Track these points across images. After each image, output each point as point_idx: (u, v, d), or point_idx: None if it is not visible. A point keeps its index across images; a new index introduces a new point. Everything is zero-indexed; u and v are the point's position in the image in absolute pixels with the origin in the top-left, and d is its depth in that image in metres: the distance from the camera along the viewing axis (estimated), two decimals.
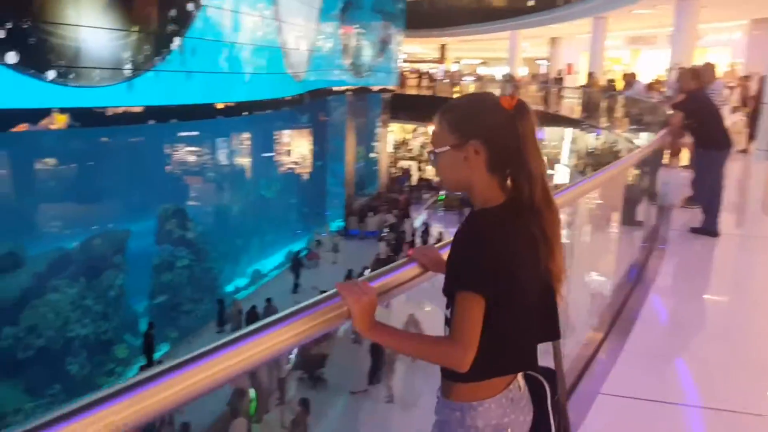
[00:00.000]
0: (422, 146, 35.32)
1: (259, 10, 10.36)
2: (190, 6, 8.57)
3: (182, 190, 13.64)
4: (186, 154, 13.70)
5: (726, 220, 4.88)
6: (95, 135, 9.40)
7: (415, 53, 39.96)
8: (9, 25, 6.13)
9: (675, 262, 4.42)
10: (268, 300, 11.02)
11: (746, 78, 11.01)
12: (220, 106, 9.44)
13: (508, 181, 1.35)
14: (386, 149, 24.84)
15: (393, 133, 35.63)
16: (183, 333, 12.01)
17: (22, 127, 6.61)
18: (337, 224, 19.17)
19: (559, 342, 1.54)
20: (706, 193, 4.81)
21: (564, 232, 1.44)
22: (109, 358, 10.71)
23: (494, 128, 1.32)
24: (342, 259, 15.64)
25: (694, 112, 4.81)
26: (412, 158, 31.64)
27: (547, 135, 20.43)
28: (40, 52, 6.53)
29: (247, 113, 10.36)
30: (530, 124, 1.32)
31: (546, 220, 1.35)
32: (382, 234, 17.76)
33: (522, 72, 28.58)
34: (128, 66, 7.72)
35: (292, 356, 8.45)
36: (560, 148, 22.08)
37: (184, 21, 8.52)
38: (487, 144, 1.30)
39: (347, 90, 17.49)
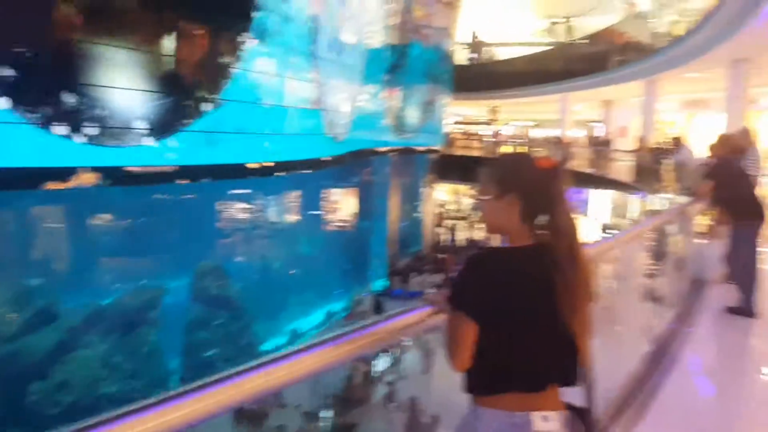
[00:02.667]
0: (473, 207, 35.12)
1: (298, 73, 10.53)
2: (226, 68, 8.77)
3: (221, 247, 13.75)
4: (226, 210, 13.87)
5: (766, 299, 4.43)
6: (132, 192, 9.60)
7: (468, 115, 40.21)
8: (38, 85, 6.37)
9: (704, 346, 3.99)
10: None
11: None
12: (253, 165, 9.53)
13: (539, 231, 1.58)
14: (432, 209, 24.67)
15: (443, 192, 35.65)
16: None
17: (52, 185, 6.77)
18: (380, 284, 18.92)
19: (593, 390, 1.70)
20: (740, 269, 4.40)
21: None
22: None
23: (529, 185, 1.58)
24: None
25: (722, 181, 4.47)
26: (460, 218, 31.43)
27: (593, 196, 19.87)
28: (69, 112, 6.73)
29: (282, 174, 10.42)
30: (562, 184, 1.57)
31: (570, 273, 1.52)
32: (426, 294, 17.41)
33: (574, 134, 28.26)
34: (161, 126, 7.90)
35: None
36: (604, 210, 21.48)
37: (219, 83, 8.72)
38: (521, 197, 1.57)
39: (391, 150, 17.56)
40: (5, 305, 9.21)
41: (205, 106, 8.59)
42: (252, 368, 1.28)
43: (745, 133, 5.71)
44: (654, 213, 11.80)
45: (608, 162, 18.93)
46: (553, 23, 29.22)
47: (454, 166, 25.09)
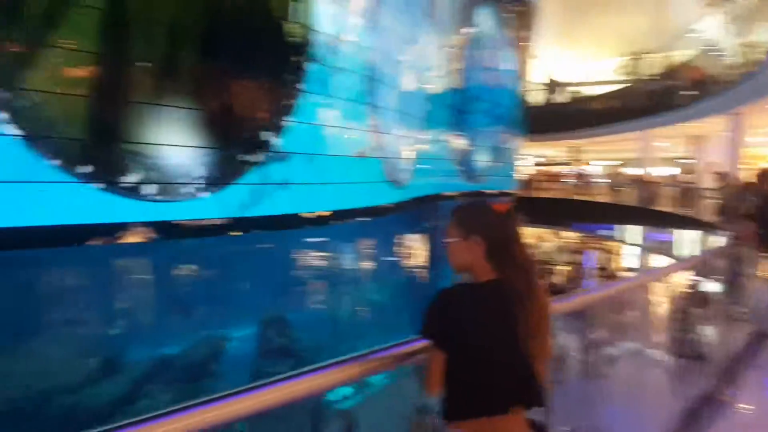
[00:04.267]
0: (558, 250, 33.98)
1: (354, 122, 10.54)
2: (279, 121, 8.87)
3: (286, 296, 13.78)
4: (291, 259, 13.93)
5: None
6: (195, 244, 9.77)
7: (549, 156, 39.35)
8: (89, 144, 6.60)
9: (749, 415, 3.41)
10: None
11: None
12: (308, 215, 9.50)
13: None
14: None
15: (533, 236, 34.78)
16: None
17: (101, 240, 6.94)
18: None
19: (550, 410, 1.87)
20: None
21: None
22: None
23: (489, 227, 1.81)
24: None
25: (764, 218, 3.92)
26: (543, 263, 30.41)
27: (678, 236, 18.64)
28: (120, 169, 6.93)
29: (339, 222, 10.34)
30: (516, 225, 1.83)
31: (528, 305, 1.72)
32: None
33: (662, 172, 27.00)
34: (213, 179, 8.01)
35: None
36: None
37: (272, 136, 8.81)
38: (484, 238, 1.80)
39: (460, 195, 17.25)
40: (72, 357, 9.48)
41: (259, 158, 8.68)
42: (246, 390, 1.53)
43: None
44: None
45: (695, 201, 17.78)
46: (631, 59, 28.31)
47: (533, 210, 24.41)
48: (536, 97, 28.77)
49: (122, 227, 7.13)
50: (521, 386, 1.74)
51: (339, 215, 10.19)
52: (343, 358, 1.77)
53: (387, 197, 11.91)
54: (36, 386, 8.56)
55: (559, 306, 2.34)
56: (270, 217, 8.89)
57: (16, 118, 6.12)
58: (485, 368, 1.72)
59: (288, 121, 9.06)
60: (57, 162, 6.48)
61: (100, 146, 6.89)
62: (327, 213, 9.82)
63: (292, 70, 9.17)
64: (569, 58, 31.51)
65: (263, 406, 1.56)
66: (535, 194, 27.23)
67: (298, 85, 9.20)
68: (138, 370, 10.09)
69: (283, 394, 1.58)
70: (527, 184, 27.99)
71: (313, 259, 14.45)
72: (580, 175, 27.83)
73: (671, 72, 23.15)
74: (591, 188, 26.67)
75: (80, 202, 6.66)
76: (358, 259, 15.79)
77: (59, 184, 6.60)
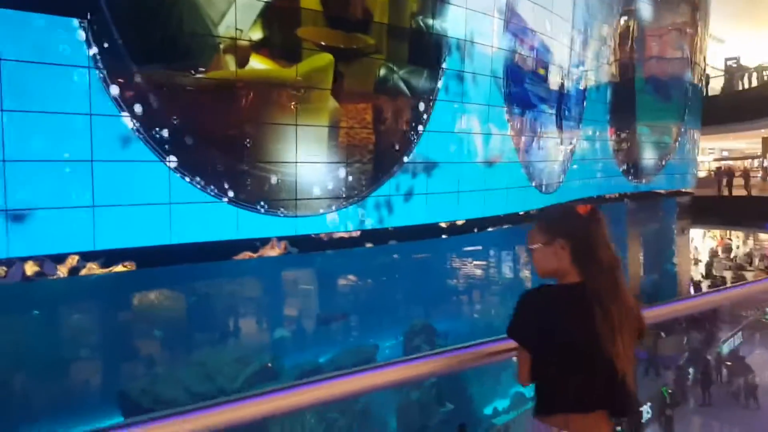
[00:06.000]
0: (746, 254, 30.53)
1: (494, 127, 10.24)
2: (410, 135, 8.87)
3: (433, 305, 13.75)
4: (439, 268, 13.90)
5: None
6: (344, 256, 10.07)
7: (739, 149, 35.32)
8: (232, 168, 7.10)
9: None
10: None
11: None
12: (445, 225, 9.38)
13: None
14: (687, 259, 21.76)
15: (713, 239, 31.48)
16: None
17: (245, 255, 7.41)
18: None
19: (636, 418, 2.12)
20: None
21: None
22: None
23: (574, 230, 1.80)
24: None
25: None
26: (737, 268, 27.36)
27: None
28: (257, 188, 7.35)
29: (477, 230, 10.09)
30: (601, 226, 1.80)
31: (611, 307, 1.71)
32: (680, 363, 15.11)
33: None
34: (345, 194, 8.22)
35: None
36: None
37: (404, 148, 8.83)
38: (569, 241, 1.79)
39: (624, 196, 15.99)
40: (232, 363, 10.24)
41: (397, 169, 8.76)
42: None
43: None
44: None
45: None
46: None
47: (717, 209, 22.02)
48: (719, 84, 25.93)
49: (263, 242, 7.55)
50: (603, 391, 1.77)
51: (477, 223, 9.94)
52: (433, 351, 1.82)
53: (534, 203, 11.39)
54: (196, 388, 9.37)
55: (649, 314, 2.07)
56: (407, 227, 8.91)
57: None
58: (565, 369, 1.77)
59: (424, 130, 9.04)
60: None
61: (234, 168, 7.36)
62: (461, 221, 9.61)
63: (427, 78, 9.13)
64: (757, 40, 27.97)
65: (345, 393, 1.68)
66: (720, 192, 24.54)
67: (433, 93, 9.14)
68: (292, 376, 10.64)
69: (363, 384, 1.65)
70: (711, 181, 25.35)
71: (458, 267, 14.29)
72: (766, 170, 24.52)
73: None
74: None
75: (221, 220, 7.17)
76: (503, 267, 15.30)
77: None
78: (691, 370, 14.87)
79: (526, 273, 16.16)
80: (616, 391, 1.75)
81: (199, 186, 6.98)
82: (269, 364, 10.43)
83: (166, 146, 6.70)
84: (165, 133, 6.62)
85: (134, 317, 10.49)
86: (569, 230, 1.83)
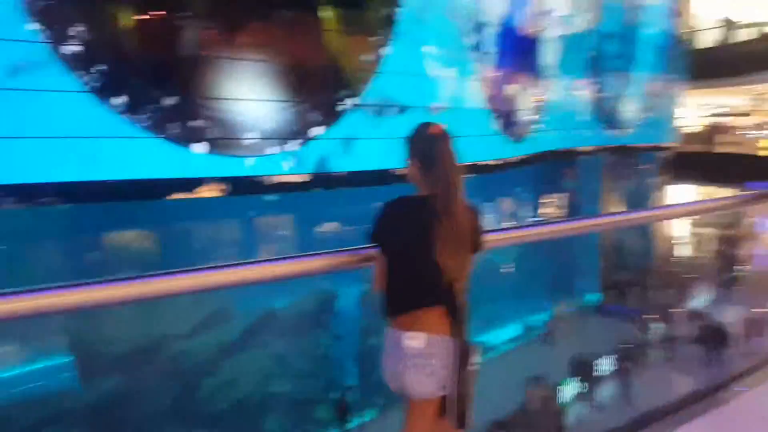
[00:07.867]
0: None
1: (455, 70, 9.80)
2: (362, 74, 8.46)
3: None
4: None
5: None
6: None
7: (731, 105, 34.81)
8: (166, 101, 6.70)
9: None
10: None
11: None
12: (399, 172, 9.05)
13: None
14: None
15: (693, 196, 31.27)
16: (392, 400, 11.59)
17: (178, 195, 7.09)
18: (592, 298, 17.06)
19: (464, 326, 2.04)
20: None
21: None
22: (308, 418, 10.84)
23: (422, 148, 2.07)
24: (582, 341, 13.74)
25: None
26: (716, 227, 27.19)
27: None
28: (196, 125, 6.97)
29: None
30: (447, 146, 2.06)
31: (444, 221, 1.96)
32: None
33: None
34: (292, 135, 7.85)
35: None
36: None
37: (356, 87, 8.43)
38: (418, 157, 2.07)
39: (600, 149, 15.61)
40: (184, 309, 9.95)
41: (346, 109, 8.38)
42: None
43: None
44: None
45: None
46: None
47: (701, 166, 21.74)
48: (709, 37, 25.27)
49: (198, 182, 7.22)
50: (442, 291, 1.97)
51: None
52: (307, 252, 2.01)
53: (500, 152, 11.05)
54: None
55: (493, 237, 2.30)
56: (356, 172, 8.59)
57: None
58: (408, 272, 1.97)
59: (377, 71, 8.62)
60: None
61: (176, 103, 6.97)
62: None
63: (378, 14, 8.66)
64: None
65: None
66: (706, 149, 24.23)
67: (387, 30, 8.68)
68: (247, 320, 10.43)
69: (241, 277, 1.85)
70: (696, 137, 25.01)
71: None
72: (760, 126, 24.11)
73: None
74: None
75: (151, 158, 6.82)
76: None
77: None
78: (654, 324, 14.79)
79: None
80: (445, 293, 1.97)
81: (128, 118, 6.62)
82: None
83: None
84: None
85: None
86: (419, 148, 2.06)
